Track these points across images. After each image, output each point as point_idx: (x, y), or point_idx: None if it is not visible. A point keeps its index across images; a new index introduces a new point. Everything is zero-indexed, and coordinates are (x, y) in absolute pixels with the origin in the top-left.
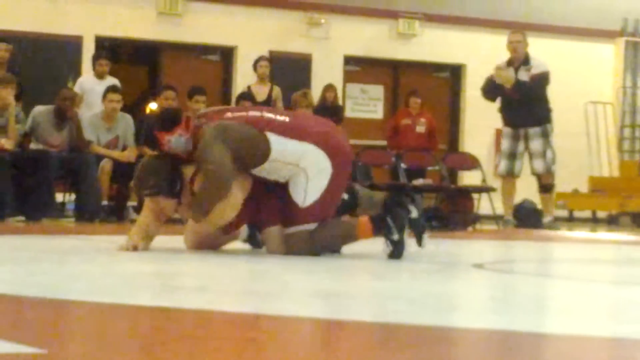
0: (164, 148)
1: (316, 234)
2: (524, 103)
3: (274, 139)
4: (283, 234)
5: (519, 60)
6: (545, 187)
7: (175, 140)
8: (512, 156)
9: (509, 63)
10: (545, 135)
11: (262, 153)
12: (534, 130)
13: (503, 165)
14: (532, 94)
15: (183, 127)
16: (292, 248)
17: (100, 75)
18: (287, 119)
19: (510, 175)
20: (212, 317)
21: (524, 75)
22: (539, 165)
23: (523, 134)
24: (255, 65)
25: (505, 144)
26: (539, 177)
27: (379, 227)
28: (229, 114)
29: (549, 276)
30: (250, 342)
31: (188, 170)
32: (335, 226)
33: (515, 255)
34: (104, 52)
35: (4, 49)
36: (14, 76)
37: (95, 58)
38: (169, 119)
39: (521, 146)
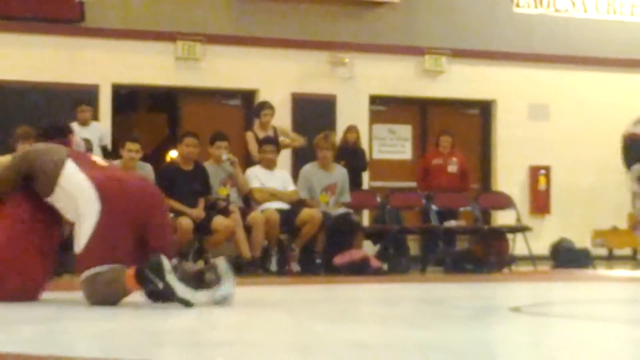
0: None
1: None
2: None
3: (69, 164)
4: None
5: None
6: None
7: None
8: None
9: None
10: None
11: (54, 169)
12: None
13: None
14: None
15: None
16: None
17: (83, 123)
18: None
19: None
20: None
21: None
22: None
23: None
24: (259, 113)
25: None
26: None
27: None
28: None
29: (590, 319)
30: None
31: None
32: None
33: (554, 297)
34: (85, 99)
35: None
36: (32, 130)
37: (75, 105)
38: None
39: None
